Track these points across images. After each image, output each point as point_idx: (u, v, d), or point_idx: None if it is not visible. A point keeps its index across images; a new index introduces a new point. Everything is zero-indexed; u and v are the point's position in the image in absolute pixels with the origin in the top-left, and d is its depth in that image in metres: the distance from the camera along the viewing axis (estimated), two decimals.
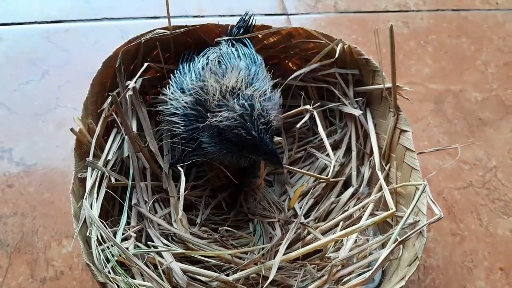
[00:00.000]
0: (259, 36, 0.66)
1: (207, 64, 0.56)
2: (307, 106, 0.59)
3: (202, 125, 0.51)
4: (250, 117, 0.48)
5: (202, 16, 0.92)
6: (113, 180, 0.52)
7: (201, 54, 0.60)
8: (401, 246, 0.52)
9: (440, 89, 0.84)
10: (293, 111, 0.62)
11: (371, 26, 0.92)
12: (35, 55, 0.84)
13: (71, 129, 0.50)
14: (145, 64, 0.56)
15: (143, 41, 0.59)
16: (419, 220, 0.51)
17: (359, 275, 0.50)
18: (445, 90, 0.84)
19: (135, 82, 0.56)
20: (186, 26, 0.62)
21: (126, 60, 0.59)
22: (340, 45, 0.63)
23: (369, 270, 0.47)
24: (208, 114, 0.50)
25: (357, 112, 0.64)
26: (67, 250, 0.62)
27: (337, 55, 0.62)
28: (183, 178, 0.51)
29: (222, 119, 0.48)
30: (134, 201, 0.55)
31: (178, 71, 0.58)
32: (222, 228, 0.57)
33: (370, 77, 0.64)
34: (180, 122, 0.53)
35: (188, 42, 0.64)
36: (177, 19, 0.85)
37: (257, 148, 0.49)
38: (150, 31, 0.60)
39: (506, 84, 0.86)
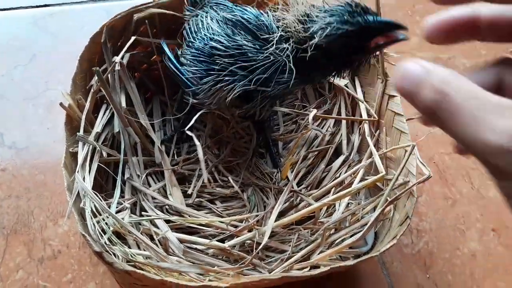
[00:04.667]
0: None
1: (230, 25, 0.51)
2: None
3: (308, 55, 0.45)
4: (346, 10, 0.43)
5: None
6: (104, 154, 0.52)
7: (192, 28, 0.56)
8: (392, 207, 0.53)
9: (429, 58, 0.84)
10: None
11: None
12: (22, 40, 0.83)
13: (61, 104, 0.50)
14: (132, 38, 0.55)
15: (135, 17, 0.58)
16: (408, 181, 0.52)
17: (352, 237, 0.51)
18: (434, 58, 0.84)
19: (122, 58, 0.56)
20: None
21: (113, 36, 0.59)
22: None
23: (361, 232, 0.48)
24: (307, 40, 0.45)
25: (343, 82, 0.64)
26: (63, 229, 0.62)
27: None
28: (197, 143, 0.48)
29: (322, 31, 0.43)
30: (127, 175, 0.55)
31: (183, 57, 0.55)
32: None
33: None
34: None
35: (175, 17, 0.64)
36: None
37: (370, 32, 0.44)
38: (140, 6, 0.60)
39: (494, 49, 0.86)
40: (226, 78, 0.49)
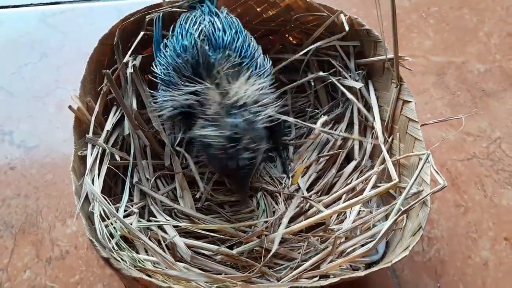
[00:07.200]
0: (258, 9, 0.65)
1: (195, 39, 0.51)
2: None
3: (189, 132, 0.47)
4: (236, 144, 0.43)
5: None
6: (117, 157, 0.52)
7: (178, 26, 0.56)
8: (404, 216, 0.52)
9: (443, 61, 0.83)
10: (292, 84, 0.61)
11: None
12: (33, 38, 0.83)
13: (69, 107, 0.49)
14: (141, 33, 0.55)
15: (147, 18, 0.58)
16: (422, 190, 0.50)
17: (363, 246, 0.50)
18: (447, 62, 0.83)
19: (135, 59, 0.56)
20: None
21: (123, 38, 0.58)
22: (345, 18, 0.62)
23: (372, 241, 0.47)
24: (198, 121, 0.46)
25: (358, 85, 0.63)
26: (71, 229, 0.62)
27: (347, 29, 0.62)
28: (188, 157, 0.52)
29: (208, 133, 0.44)
30: (135, 179, 0.55)
31: (160, 52, 0.55)
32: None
33: (371, 48, 0.63)
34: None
35: None
36: None
37: (232, 175, 0.47)
38: (151, 6, 0.59)
39: (509, 55, 0.84)
40: (164, 99, 0.49)
